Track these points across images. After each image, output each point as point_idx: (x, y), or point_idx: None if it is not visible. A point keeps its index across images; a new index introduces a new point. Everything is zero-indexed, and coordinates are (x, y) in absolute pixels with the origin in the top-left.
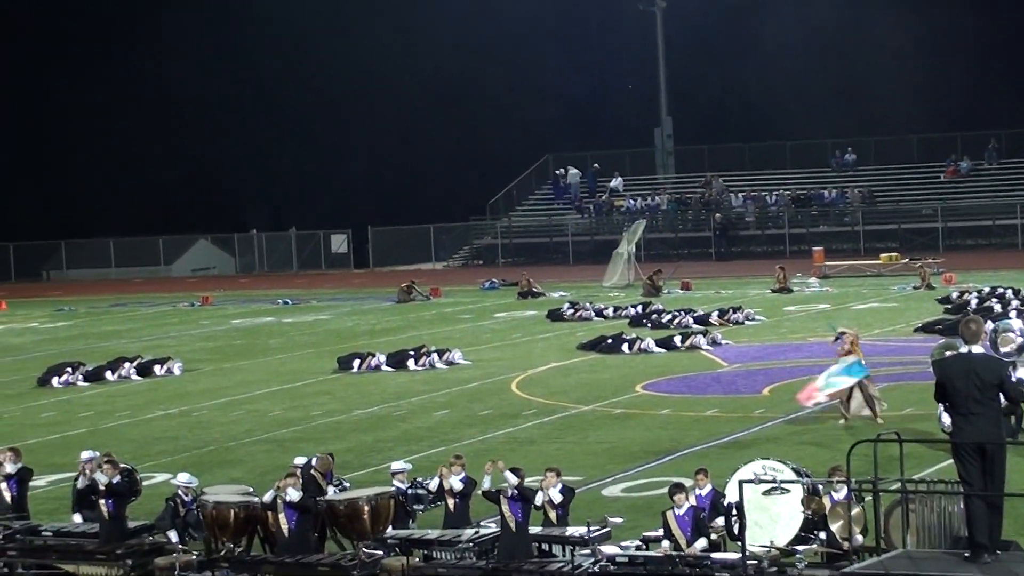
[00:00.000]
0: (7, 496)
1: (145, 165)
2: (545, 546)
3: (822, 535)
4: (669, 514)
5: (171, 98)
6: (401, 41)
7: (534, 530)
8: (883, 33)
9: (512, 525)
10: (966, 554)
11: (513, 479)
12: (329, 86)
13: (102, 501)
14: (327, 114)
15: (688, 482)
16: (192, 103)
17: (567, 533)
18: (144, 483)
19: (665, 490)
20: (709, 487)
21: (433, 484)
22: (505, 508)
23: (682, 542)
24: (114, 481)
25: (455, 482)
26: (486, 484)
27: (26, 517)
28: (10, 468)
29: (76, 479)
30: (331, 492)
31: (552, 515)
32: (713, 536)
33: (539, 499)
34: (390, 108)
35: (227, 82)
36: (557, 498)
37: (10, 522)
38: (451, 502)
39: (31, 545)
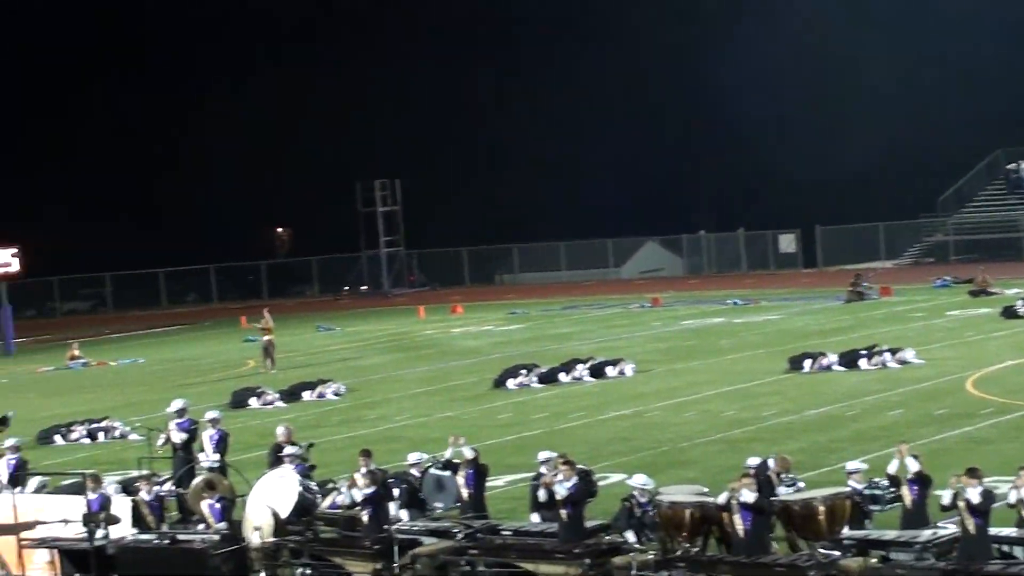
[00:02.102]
0: (465, 492)
1: (594, 170)
2: (1006, 547)
3: None
4: None
5: (614, 103)
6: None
7: (997, 531)
8: None
9: (971, 527)
10: None
11: (976, 497)
12: (783, 90)
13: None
14: (771, 120)
15: None
16: (641, 110)
17: None
18: (599, 483)
19: None
20: None
21: (892, 467)
22: (965, 513)
23: None
24: (570, 488)
25: (911, 464)
26: (945, 499)
27: (485, 516)
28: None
29: (534, 479)
30: (783, 492)
31: None
32: None
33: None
34: (839, 110)
35: (676, 89)
36: None
37: (471, 521)
38: (908, 496)
39: (491, 544)
